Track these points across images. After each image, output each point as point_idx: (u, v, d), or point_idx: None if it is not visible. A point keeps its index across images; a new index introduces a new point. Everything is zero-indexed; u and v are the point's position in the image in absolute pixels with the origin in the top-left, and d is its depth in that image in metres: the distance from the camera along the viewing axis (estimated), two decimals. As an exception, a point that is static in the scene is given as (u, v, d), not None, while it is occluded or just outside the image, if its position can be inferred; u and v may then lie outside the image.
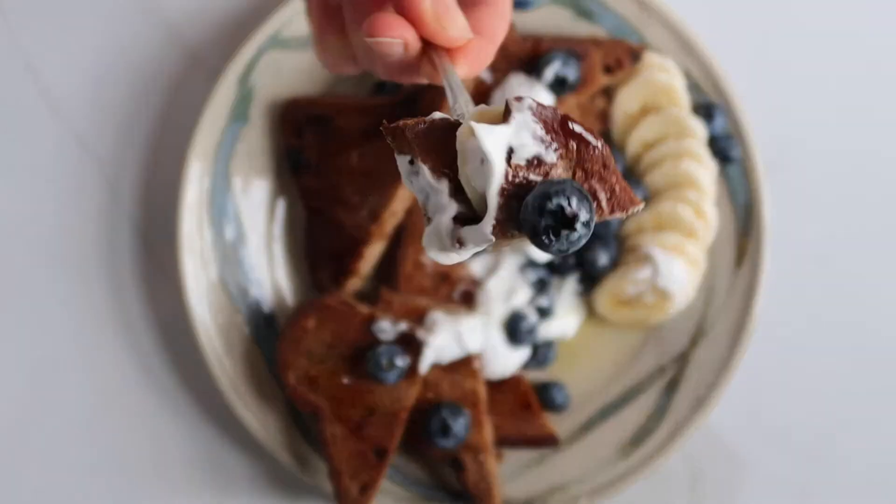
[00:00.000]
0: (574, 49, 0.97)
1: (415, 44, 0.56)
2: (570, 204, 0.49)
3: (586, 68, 0.97)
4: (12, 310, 1.02)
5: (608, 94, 1.00)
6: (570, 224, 0.50)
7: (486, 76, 0.97)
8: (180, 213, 0.97)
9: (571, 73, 0.96)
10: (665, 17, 0.99)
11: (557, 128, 0.52)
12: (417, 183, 0.54)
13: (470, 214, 0.52)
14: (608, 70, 0.98)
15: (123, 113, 1.03)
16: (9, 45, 1.02)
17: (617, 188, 0.52)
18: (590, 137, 0.52)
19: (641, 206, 0.53)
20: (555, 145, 0.52)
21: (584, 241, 0.50)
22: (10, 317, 1.02)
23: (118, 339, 1.02)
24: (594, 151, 0.52)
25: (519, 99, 0.52)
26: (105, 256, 1.02)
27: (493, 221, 0.51)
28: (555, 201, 0.49)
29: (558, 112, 0.52)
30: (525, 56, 0.97)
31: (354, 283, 0.99)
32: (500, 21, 0.61)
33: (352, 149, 0.98)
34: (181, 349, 1.02)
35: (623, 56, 0.98)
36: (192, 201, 0.97)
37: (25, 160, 1.03)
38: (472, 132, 0.51)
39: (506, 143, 0.51)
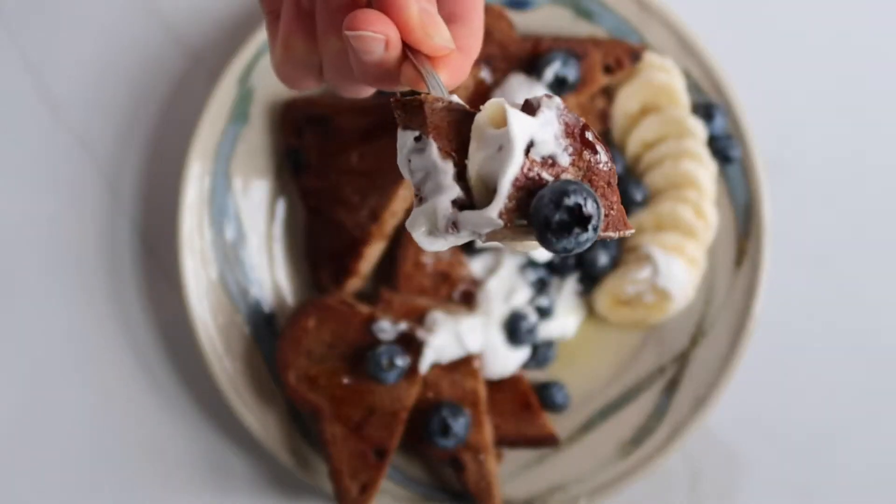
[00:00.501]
0: (574, 49, 0.97)
1: (396, 43, 0.56)
2: (586, 205, 0.50)
3: (586, 68, 0.97)
4: (12, 310, 1.02)
5: (608, 94, 1.00)
6: (584, 223, 0.50)
7: (486, 76, 0.97)
8: (180, 213, 0.97)
9: (571, 73, 0.96)
10: (665, 17, 0.99)
11: (577, 134, 0.52)
12: (418, 161, 0.54)
13: (468, 201, 0.53)
14: (608, 70, 0.98)
15: (123, 113, 1.03)
16: (9, 45, 1.03)
17: (615, 208, 0.53)
18: (602, 152, 0.53)
19: (632, 230, 0.54)
20: (570, 150, 0.52)
21: (587, 246, 0.51)
22: (10, 317, 1.02)
23: (118, 339, 1.02)
24: (603, 167, 0.53)
25: (549, 97, 0.53)
26: (105, 256, 1.02)
27: (502, 207, 0.51)
28: (573, 199, 0.50)
29: (580, 119, 0.53)
30: (525, 56, 0.97)
31: (354, 283, 0.99)
32: (474, 38, 0.61)
33: (352, 149, 0.98)
34: (181, 349, 1.02)
35: (623, 56, 0.98)
36: (192, 201, 0.97)
37: (25, 160, 1.03)
38: (503, 115, 0.51)
39: (530, 134, 0.51)
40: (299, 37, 0.61)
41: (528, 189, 0.51)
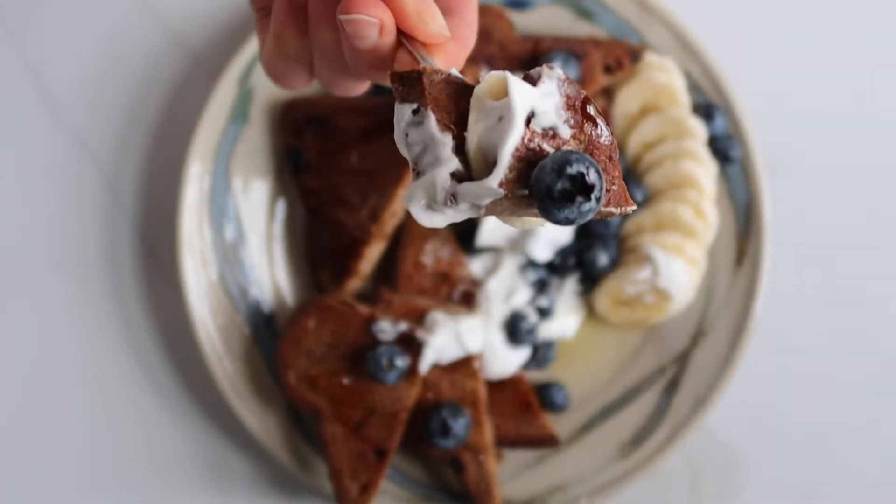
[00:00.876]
0: (574, 49, 0.97)
1: (391, 28, 0.55)
2: (588, 174, 0.49)
3: (586, 68, 0.97)
4: (12, 310, 1.02)
5: (608, 94, 1.00)
6: (586, 193, 0.49)
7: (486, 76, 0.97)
8: (180, 213, 0.97)
9: (571, 74, 0.96)
10: (665, 17, 0.99)
11: (578, 106, 0.52)
12: (416, 134, 0.53)
13: (466, 174, 0.52)
14: (608, 70, 0.98)
15: (123, 113, 1.03)
16: (9, 45, 1.03)
17: (616, 183, 0.52)
18: (603, 126, 0.52)
19: (634, 207, 0.53)
20: (571, 122, 0.52)
21: (589, 217, 0.50)
22: (10, 317, 1.02)
23: (118, 339, 1.02)
24: (605, 141, 0.52)
25: (550, 67, 0.52)
26: (105, 256, 1.02)
27: (502, 177, 0.50)
28: (575, 167, 0.49)
29: (581, 92, 0.52)
30: (525, 56, 0.97)
31: (354, 283, 0.99)
32: (469, 30, 0.61)
33: (352, 149, 0.98)
34: (181, 349, 1.02)
35: (623, 56, 0.98)
36: (192, 201, 0.97)
37: (25, 160, 1.03)
38: (503, 87, 0.51)
39: (530, 104, 0.51)
40: (291, 31, 0.60)
41: (528, 160, 0.50)
